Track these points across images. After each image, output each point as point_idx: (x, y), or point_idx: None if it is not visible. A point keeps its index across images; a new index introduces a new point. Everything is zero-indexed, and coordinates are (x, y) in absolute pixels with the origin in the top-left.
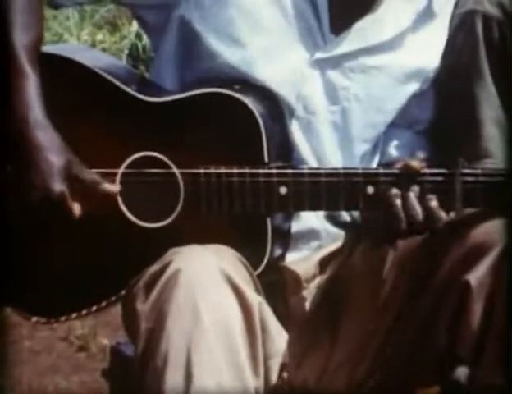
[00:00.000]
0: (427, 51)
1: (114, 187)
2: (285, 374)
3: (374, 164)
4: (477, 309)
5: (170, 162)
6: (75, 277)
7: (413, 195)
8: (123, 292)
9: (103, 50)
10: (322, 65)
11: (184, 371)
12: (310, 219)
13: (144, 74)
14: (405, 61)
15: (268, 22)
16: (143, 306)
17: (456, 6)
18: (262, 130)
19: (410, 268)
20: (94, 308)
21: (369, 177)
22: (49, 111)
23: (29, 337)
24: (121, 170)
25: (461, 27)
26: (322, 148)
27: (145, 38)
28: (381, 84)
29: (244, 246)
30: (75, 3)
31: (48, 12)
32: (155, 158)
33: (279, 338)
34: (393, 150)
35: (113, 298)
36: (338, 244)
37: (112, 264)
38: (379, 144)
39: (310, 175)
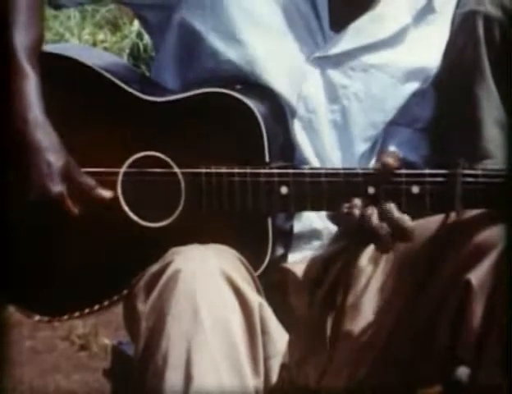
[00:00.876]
0: (427, 49)
1: (108, 193)
2: (285, 374)
3: (373, 162)
4: (478, 308)
5: (171, 162)
6: (78, 275)
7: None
8: (125, 291)
9: (105, 49)
10: (322, 63)
11: (184, 371)
12: (312, 219)
13: (145, 73)
14: (406, 59)
15: (268, 21)
16: (143, 306)
17: (458, 5)
18: (264, 130)
19: (411, 267)
20: (97, 307)
21: (370, 177)
22: (50, 110)
23: (30, 337)
24: (122, 169)
25: (462, 27)
26: (322, 147)
27: (146, 38)
28: (382, 82)
29: (245, 246)
30: (77, 3)
31: (49, 12)
32: (156, 157)
33: (279, 338)
34: (392, 148)
35: (115, 297)
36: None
37: (114, 263)
38: (378, 143)
39: (311, 175)
